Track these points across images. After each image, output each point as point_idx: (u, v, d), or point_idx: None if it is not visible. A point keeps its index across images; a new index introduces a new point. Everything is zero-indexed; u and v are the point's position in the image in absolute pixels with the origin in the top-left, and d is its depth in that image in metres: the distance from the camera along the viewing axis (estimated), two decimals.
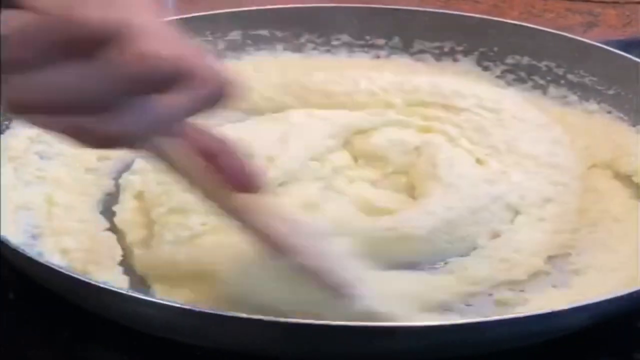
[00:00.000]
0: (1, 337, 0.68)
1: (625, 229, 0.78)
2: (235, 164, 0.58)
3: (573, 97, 0.98)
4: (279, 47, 1.03)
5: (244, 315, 0.57)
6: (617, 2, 1.39)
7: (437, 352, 0.62)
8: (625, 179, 0.86)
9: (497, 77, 1.02)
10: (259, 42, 1.02)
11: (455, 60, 1.03)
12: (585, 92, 0.97)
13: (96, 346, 0.68)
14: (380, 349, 0.59)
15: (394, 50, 1.04)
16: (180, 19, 1.01)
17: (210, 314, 0.58)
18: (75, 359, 0.68)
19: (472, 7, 1.38)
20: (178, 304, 0.60)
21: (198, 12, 1.03)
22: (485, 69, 1.02)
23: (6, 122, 0.85)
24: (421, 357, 0.63)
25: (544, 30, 1.01)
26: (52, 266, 0.62)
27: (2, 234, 0.64)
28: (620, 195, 0.84)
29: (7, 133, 0.85)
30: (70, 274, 0.62)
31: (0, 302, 0.71)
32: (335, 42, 1.04)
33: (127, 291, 0.60)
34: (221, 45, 1.02)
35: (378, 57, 1.04)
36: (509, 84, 1.01)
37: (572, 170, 0.85)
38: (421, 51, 1.04)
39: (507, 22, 1.03)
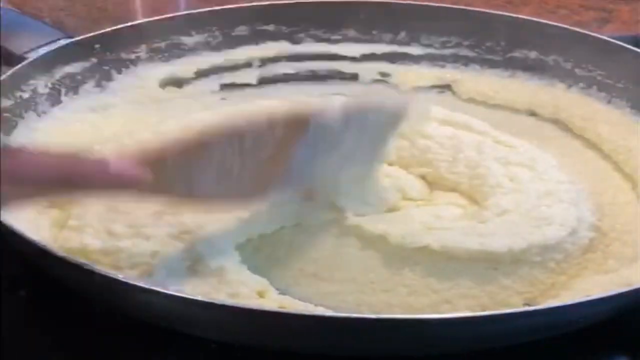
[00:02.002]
0: (12, 334, 0.68)
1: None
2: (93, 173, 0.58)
3: (581, 90, 0.98)
4: (285, 42, 1.04)
5: (263, 307, 0.60)
6: None
7: (450, 345, 0.63)
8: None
9: (503, 70, 1.02)
10: (265, 38, 1.03)
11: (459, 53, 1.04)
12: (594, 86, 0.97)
13: (110, 342, 0.68)
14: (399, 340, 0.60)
15: (400, 44, 1.04)
16: (188, 14, 1.03)
17: (228, 306, 0.59)
18: (87, 356, 0.68)
19: (486, 3, 1.38)
20: (194, 296, 0.60)
21: (208, 8, 1.04)
22: (491, 62, 1.03)
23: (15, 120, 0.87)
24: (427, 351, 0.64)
25: (552, 25, 1.01)
26: (71, 260, 0.62)
27: (24, 231, 0.65)
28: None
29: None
30: (89, 267, 0.61)
31: (12, 300, 0.71)
32: (341, 37, 1.05)
33: (145, 284, 0.60)
34: (228, 40, 1.03)
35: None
36: (514, 76, 1.02)
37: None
38: (427, 45, 1.04)
39: (514, 17, 1.03)
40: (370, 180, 0.76)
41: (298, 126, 0.64)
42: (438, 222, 0.74)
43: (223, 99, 1.02)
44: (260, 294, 0.67)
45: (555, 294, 0.71)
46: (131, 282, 0.60)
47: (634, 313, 0.67)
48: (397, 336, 0.59)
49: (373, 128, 0.71)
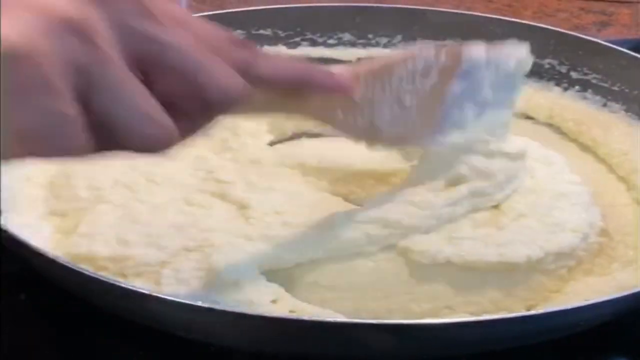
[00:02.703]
0: (12, 337, 0.68)
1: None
2: (322, 78, 0.60)
3: (576, 93, 0.99)
4: (282, 46, 1.04)
5: (261, 313, 0.59)
6: (631, 2, 1.39)
7: (454, 349, 0.63)
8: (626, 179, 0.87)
9: None
10: (262, 42, 1.03)
11: None
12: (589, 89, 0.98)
13: (109, 346, 0.69)
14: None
15: (396, 48, 1.04)
16: None
17: (228, 312, 0.59)
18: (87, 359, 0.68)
19: (485, 7, 1.39)
20: (194, 302, 0.60)
21: (206, 12, 1.04)
22: None
23: None
24: (432, 355, 0.65)
25: (546, 28, 1.01)
26: (74, 267, 0.62)
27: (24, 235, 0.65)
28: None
29: None
30: (85, 272, 0.61)
31: (12, 303, 0.71)
32: (337, 41, 1.05)
33: (147, 291, 0.60)
34: None
35: None
36: None
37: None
38: None
39: (510, 20, 1.03)
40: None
41: (455, 59, 0.69)
42: (458, 228, 0.73)
43: None
44: (276, 302, 0.66)
45: (556, 298, 0.71)
46: (126, 286, 0.60)
47: (635, 316, 0.67)
48: (394, 341, 0.60)
49: (505, 76, 0.74)
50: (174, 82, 0.46)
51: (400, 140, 0.71)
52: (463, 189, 0.74)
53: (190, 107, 0.48)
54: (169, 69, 0.45)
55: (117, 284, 0.60)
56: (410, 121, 0.69)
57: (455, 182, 0.74)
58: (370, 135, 0.69)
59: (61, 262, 0.62)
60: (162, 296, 0.59)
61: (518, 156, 0.77)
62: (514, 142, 0.78)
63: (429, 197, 0.73)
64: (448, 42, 0.97)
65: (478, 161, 0.74)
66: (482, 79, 0.71)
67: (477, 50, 0.70)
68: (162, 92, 0.45)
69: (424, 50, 0.68)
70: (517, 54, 0.74)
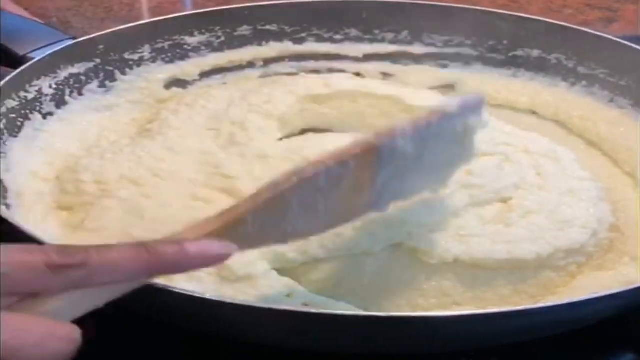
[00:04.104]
0: None
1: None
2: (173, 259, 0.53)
3: (583, 88, 0.98)
4: (288, 42, 1.04)
5: (270, 306, 0.59)
6: None
7: (460, 342, 0.63)
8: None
9: (506, 69, 1.03)
10: (268, 38, 1.03)
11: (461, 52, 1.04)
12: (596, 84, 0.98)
13: (115, 338, 0.68)
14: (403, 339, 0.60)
15: (402, 44, 1.04)
16: (190, 14, 1.03)
17: (237, 304, 0.58)
18: (93, 353, 0.68)
19: (492, 2, 1.38)
20: (209, 296, 0.60)
21: (212, 8, 1.05)
22: (494, 61, 1.03)
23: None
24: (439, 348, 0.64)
25: (553, 23, 1.01)
26: None
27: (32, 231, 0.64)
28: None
29: None
30: None
31: None
32: (343, 37, 1.05)
33: (160, 285, 0.59)
34: (230, 40, 1.03)
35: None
36: (516, 75, 1.02)
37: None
38: (430, 44, 1.04)
39: (517, 15, 1.03)
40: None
41: (369, 156, 0.61)
42: (467, 225, 0.73)
43: None
44: (290, 296, 0.67)
45: (562, 292, 0.71)
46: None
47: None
48: (400, 334, 0.60)
49: (450, 135, 0.67)
50: None
51: (323, 231, 0.64)
52: (452, 184, 0.74)
53: None
54: None
55: None
56: (332, 216, 0.62)
57: None
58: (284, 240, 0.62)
59: None
60: (181, 291, 0.59)
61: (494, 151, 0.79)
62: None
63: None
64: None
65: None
66: (418, 151, 0.63)
67: (397, 137, 0.62)
68: None
69: (324, 166, 0.59)
70: (466, 112, 0.67)
